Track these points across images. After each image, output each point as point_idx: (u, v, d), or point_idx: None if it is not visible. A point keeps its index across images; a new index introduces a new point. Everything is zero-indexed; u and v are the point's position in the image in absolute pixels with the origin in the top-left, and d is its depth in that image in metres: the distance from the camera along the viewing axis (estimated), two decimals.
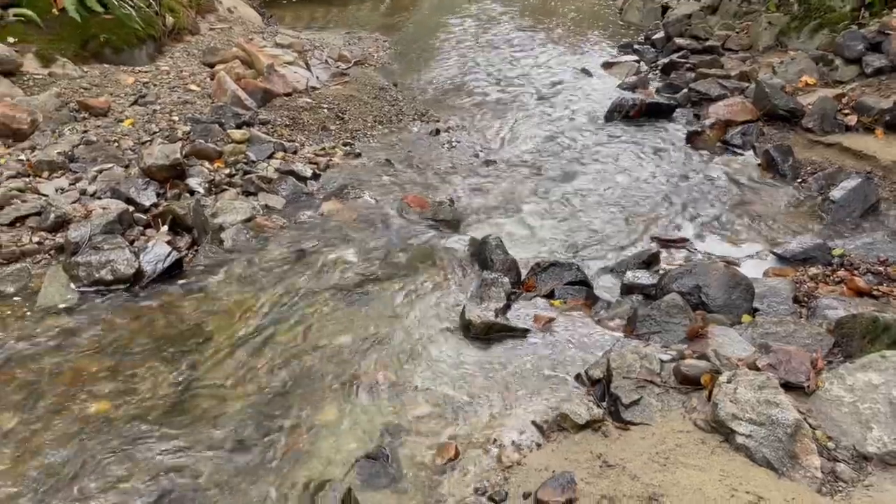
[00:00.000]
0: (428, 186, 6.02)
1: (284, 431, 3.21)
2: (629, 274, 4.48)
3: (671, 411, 3.03)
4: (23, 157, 5.45)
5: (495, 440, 3.08)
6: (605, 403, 3.19)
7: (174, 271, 4.36)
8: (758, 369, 3.12)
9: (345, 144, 6.96)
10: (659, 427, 2.95)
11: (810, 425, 2.86)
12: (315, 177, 6.10)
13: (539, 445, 3.03)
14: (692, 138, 6.89)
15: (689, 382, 3.11)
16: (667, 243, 5.09)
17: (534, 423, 3.14)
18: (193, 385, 3.48)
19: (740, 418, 2.79)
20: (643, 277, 4.43)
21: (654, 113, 7.56)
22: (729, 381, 2.94)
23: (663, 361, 3.25)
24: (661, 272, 4.55)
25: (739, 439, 2.76)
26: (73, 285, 4.16)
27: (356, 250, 4.77)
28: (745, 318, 3.86)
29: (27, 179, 5.13)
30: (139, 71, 7.70)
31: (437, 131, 7.36)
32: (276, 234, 4.96)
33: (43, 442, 3.08)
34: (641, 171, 6.33)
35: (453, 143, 7.07)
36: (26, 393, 3.37)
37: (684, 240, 5.16)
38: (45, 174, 5.26)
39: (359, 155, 6.71)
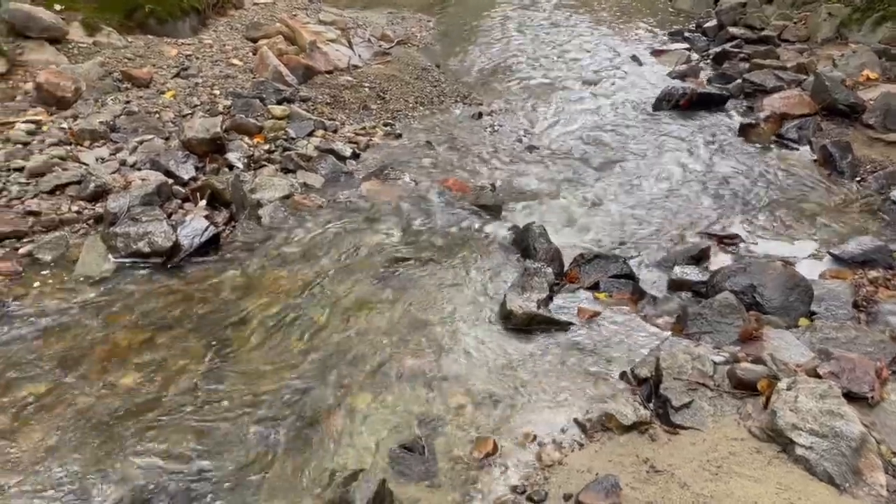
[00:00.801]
0: (469, 170, 5.88)
1: (318, 415, 3.11)
2: (677, 269, 4.30)
3: (724, 417, 2.87)
4: (65, 125, 5.43)
5: (535, 437, 2.95)
6: (652, 404, 3.04)
7: (211, 246, 4.29)
8: (818, 377, 2.94)
9: (385, 124, 6.84)
10: (711, 433, 2.79)
11: (875, 439, 2.68)
12: (355, 156, 6.00)
13: (581, 445, 2.89)
14: (745, 131, 6.62)
15: (745, 387, 2.94)
16: (717, 239, 4.87)
17: (576, 421, 3.01)
18: (226, 363, 3.40)
19: (801, 429, 2.63)
20: (692, 274, 4.24)
21: (705, 103, 7.30)
22: (789, 389, 2.77)
23: (716, 364, 3.08)
24: (711, 269, 4.36)
25: (799, 451, 2.59)
26: (110, 256, 4.12)
27: (395, 233, 4.66)
28: (803, 321, 3.66)
29: (68, 147, 5.10)
30: (182, 43, 7.67)
31: (480, 114, 7.20)
32: (314, 212, 4.87)
33: (72, 413, 3.03)
34: (690, 163, 6.10)
35: (496, 128, 6.91)
36: (60, 363, 3.33)
37: (735, 236, 4.94)
38: (87, 143, 5.24)
39: (399, 135, 6.59)
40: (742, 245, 4.88)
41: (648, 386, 3.14)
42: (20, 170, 4.66)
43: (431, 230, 4.72)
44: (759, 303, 3.75)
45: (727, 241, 4.88)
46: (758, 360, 3.11)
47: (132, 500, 2.64)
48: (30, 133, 5.17)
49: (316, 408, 3.15)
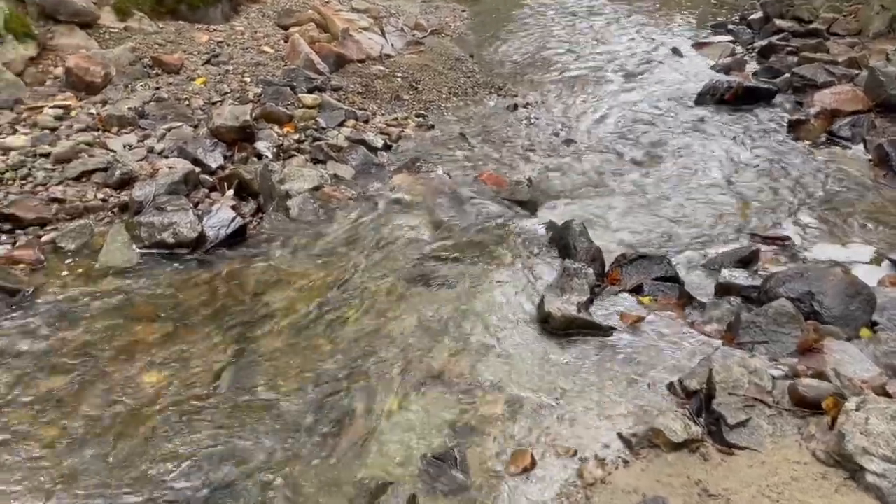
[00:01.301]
0: (504, 164, 5.67)
1: (344, 420, 2.95)
2: (725, 272, 4.05)
3: (785, 437, 2.63)
4: (94, 110, 5.34)
5: (576, 452, 2.75)
6: (703, 420, 2.81)
7: (237, 238, 4.15)
8: (888, 395, 2.69)
9: (418, 115, 6.66)
10: (770, 455, 2.57)
11: None
12: (386, 147, 5.83)
13: (626, 462, 2.68)
14: (794, 127, 6.31)
15: (807, 405, 2.71)
16: (766, 241, 4.61)
17: (620, 435, 2.80)
18: (250, 361, 3.25)
19: (872, 454, 2.39)
20: (741, 277, 3.99)
21: (751, 98, 6.99)
22: (858, 409, 2.53)
23: (774, 378, 2.85)
24: (760, 273, 4.11)
25: (870, 478, 2.36)
26: (134, 246, 4.00)
27: (427, 228, 4.48)
28: (864, 332, 3.40)
29: (96, 133, 5.00)
30: (214, 30, 7.55)
31: (515, 106, 6.98)
32: (343, 205, 4.70)
33: (90, 410, 2.90)
34: (736, 160, 5.82)
35: (532, 120, 6.68)
36: (80, 356, 3.20)
37: (786, 238, 4.66)
38: (115, 129, 5.13)
39: (432, 127, 6.41)
40: (792, 248, 4.61)
41: (699, 399, 2.91)
42: (46, 155, 4.57)
43: (465, 226, 4.53)
44: (818, 311, 3.49)
45: (778, 243, 4.61)
46: (820, 375, 2.87)
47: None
48: (58, 118, 5.08)
49: (343, 411, 2.99)
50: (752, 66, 8.14)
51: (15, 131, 4.85)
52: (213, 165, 4.82)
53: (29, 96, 5.46)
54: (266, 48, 7.39)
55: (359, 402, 3.05)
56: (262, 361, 3.25)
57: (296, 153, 5.34)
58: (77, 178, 4.45)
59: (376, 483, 2.62)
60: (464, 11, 10.73)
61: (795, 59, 7.81)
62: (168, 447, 2.77)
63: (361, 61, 7.55)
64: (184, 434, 2.82)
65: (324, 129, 5.81)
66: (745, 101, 6.98)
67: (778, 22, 9.20)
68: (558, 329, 3.44)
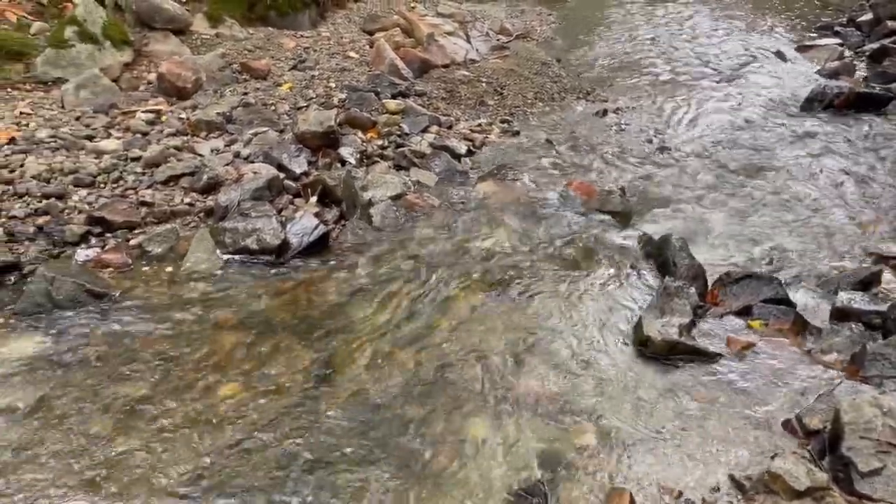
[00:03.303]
0: (593, 172, 5.40)
1: (425, 443, 2.78)
2: (843, 296, 3.66)
3: None
4: (183, 115, 5.40)
5: (681, 494, 2.49)
6: (827, 464, 2.50)
7: (320, 246, 4.07)
8: None
9: (502, 121, 6.46)
10: None
11: None
12: (470, 154, 5.67)
13: None
14: None
15: None
16: (889, 260, 4.17)
17: (732, 478, 2.52)
18: (329, 375, 3.13)
19: None
20: (861, 302, 3.60)
21: (863, 104, 6.47)
22: None
23: None
24: (884, 297, 3.70)
25: None
26: (218, 251, 3.97)
27: (513, 239, 4.28)
28: None
29: (185, 138, 5.05)
30: (301, 36, 7.60)
31: (604, 112, 6.69)
32: (427, 213, 4.56)
33: (166, 422, 2.84)
34: (850, 171, 5.35)
35: (622, 126, 6.37)
36: (161, 363, 3.16)
37: None
38: (203, 134, 5.17)
39: (517, 133, 6.20)
40: None
41: (821, 441, 2.60)
42: (137, 159, 4.62)
43: (553, 237, 4.30)
44: None
45: None
46: None
47: None
48: (149, 123, 5.16)
49: (423, 435, 2.82)
50: (863, 71, 7.56)
51: (109, 135, 4.95)
52: (298, 171, 4.77)
53: (123, 101, 5.58)
54: (351, 53, 7.37)
55: (440, 423, 2.88)
56: (342, 379, 3.11)
57: (379, 159, 5.24)
58: (165, 182, 4.48)
59: None
60: (550, 15, 10.48)
61: None
62: (241, 460, 2.66)
63: (446, 66, 7.43)
64: (256, 453, 2.71)
65: (407, 135, 5.69)
66: (856, 107, 6.47)
67: (890, 24, 8.54)
68: (658, 353, 3.18)
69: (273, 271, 3.88)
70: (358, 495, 2.53)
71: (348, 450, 2.72)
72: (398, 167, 5.20)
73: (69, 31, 5.85)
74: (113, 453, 2.67)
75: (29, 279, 3.58)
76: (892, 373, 2.93)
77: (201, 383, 3.06)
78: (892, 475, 2.36)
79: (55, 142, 4.69)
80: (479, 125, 6.32)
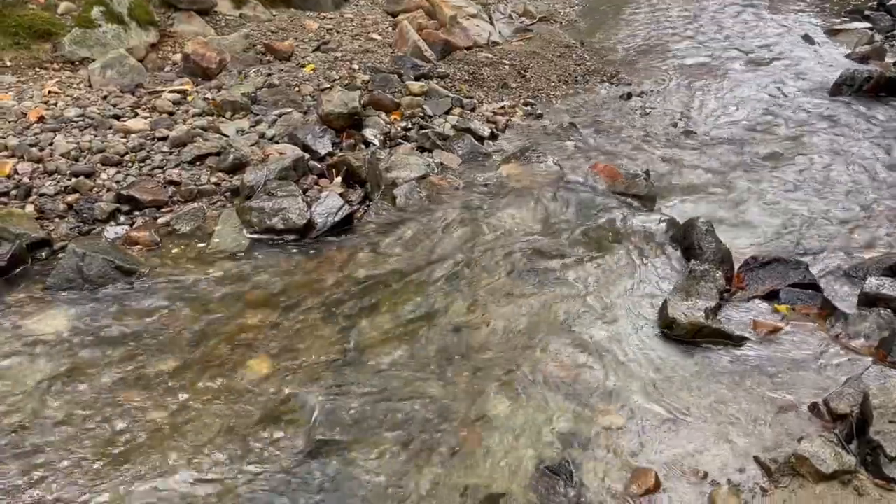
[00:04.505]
0: (618, 155, 5.37)
1: (450, 420, 2.80)
2: (871, 281, 3.62)
3: None
4: (209, 95, 5.43)
5: (706, 475, 2.49)
6: (853, 448, 2.49)
7: (345, 225, 4.09)
8: None
9: (525, 104, 6.44)
10: None
11: None
12: (493, 136, 5.65)
13: (765, 491, 2.41)
14: None
15: None
16: None
17: (757, 460, 2.52)
18: (355, 355, 3.15)
19: None
20: (891, 288, 3.55)
21: (894, 89, 6.35)
22: None
23: None
24: None
25: None
26: (245, 230, 4.00)
27: (537, 221, 4.28)
28: None
29: (210, 118, 5.08)
30: (324, 17, 7.59)
31: (629, 95, 6.63)
32: (450, 194, 4.57)
33: (196, 394, 2.89)
34: (879, 157, 5.27)
35: (647, 109, 6.32)
36: (190, 339, 3.21)
37: None
38: (228, 114, 5.19)
39: (540, 116, 6.17)
40: None
41: (848, 424, 2.59)
42: (164, 139, 4.66)
43: (578, 220, 4.29)
44: None
45: None
46: None
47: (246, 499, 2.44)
48: (175, 103, 5.19)
49: (449, 413, 2.84)
50: (894, 55, 7.42)
51: (136, 115, 4.99)
52: (322, 152, 4.78)
53: (149, 81, 5.62)
54: (374, 35, 7.36)
55: (465, 404, 2.90)
56: (367, 357, 3.14)
57: (402, 141, 5.25)
58: (191, 162, 4.51)
59: (484, 493, 2.46)
60: None
61: None
62: (267, 435, 2.71)
63: (469, 48, 7.39)
64: (284, 427, 2.75)
65: (430, 116, 5.69)
66: (887, 92, 6.37)
67: None
68: (683, 336, 3.17)
69: (298, 250, 3.91)
70: (383, 472, 2.56)
71: (374, 427, 2.75)
72: (422, 149, 5.20)
73: (96, 11, 5.89)
74: (143, 423, 2.72)
75: (60, 255, 3.64)
76: None
77: (229, 358, 3.10)
78: None
79: (83, 121, 4.74)
80: (503, 108, 6.30)
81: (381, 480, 2.53)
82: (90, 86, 5.40)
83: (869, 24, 8.65)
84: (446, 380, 3.02)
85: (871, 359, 3.03)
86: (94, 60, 5.60)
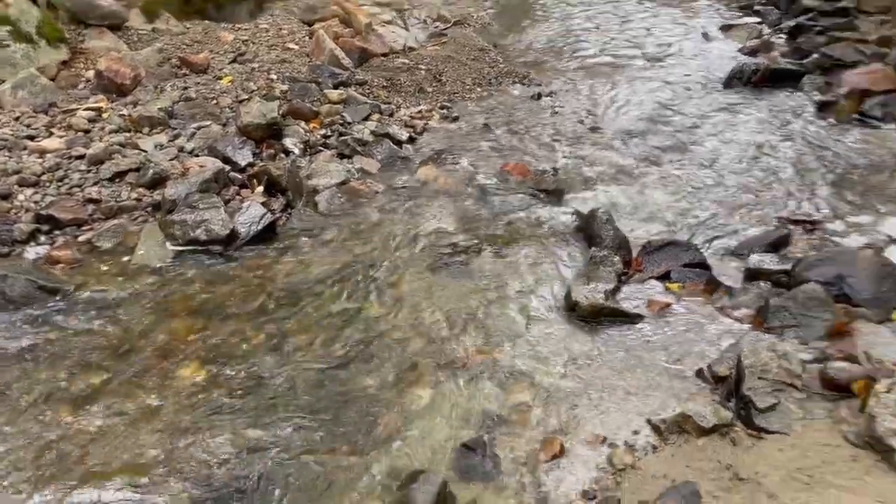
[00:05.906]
0: (529, 154, 5.66)
1: (374, 410, 3.01)
2: (754, 257, 4.02)
3: (815, 421, 2.64)
4: (125, 111, 5.45)
5: (605, 439, 2.78)
6: (732, 405, 2.82)
7: (268, 234, 4.23)
8: None
9: (442, 107, 6.67)
10: (800, 438, 2.57)
11: None
12: (411, 140, 5.86)
13: (655, 448, 2.71)
14: (824, 108, 6.20)
15: (837, 388, 2.70)
16: (795, 224, 4.55)
17: (649, 422, 2.82)
18: (282, 355, 3.33)
19: None
20: (770, 262, 3.95)
21: (779, 79, 6.87)
22: (888, 391, 2.52)
23: (804, 362, 2.84)
24: (790, 257, 4.07)
25: None
26: (168, 244, 4.10)
27: (453, 219, 4.52)
28: None
29: (128, 135, 5.11)
30: (239, 28, 7.64)
31: (539, 95, 6.96)
32: (370, 199, 4.77)
33: (128, 405, 3.00)
34: (765, 143, 5.74)
35: (556, 109, 6.65)
36: (119, 352, 3.31)
37: (815, 221, 4.61)
38: (146, 130, 5.24)
39: (456, 118, 6.42)
40: (823, 231, 4.55)
41: (727, 385, 2.92)
42: (81, 157, 4.68)
43: (491, 217, 4.56)
44: (847, 294, 3.45)
45: (807, 226, 4.55)
46: (850, 358, 2.86)
47: (190, 498, 2.58)
48: (91, 121, 5.20)
49: (374, 402, 3.05)
50: (780, 48, 8.01)
51: (51, 134, 4.98)
52: (243, 163, 4.90)
53: (62, 100, 5.59)
54: (291, 45, 7.46)
55: (389, 393, 3.11)
56: (295, 355, 3.32)
57: (322, 148, 5.40)
58: (111, 179, 4.56)
59: (407, 471, 2.68)
60: (486, 1, 10.69)
61: (824, 38, 7.65)
62: (202, 438, 2.85)
63: (385, 55, 7.58)
64: (218, 426, 2.90)
65: (349, 123, 5.85)
66: (773, 82, 6.86)
67: (806, 1, 8.99)
68: (586, 317, 3.47)
69: (223, 260, 4.04)
70: (311, 456, 2.75)
71: (299, 418, 2.93)
72: (341, 155, 5.36)
73: (2, 31, 5.81)
74: (70, 436, 2.82)
75: None
76: (792, 322, 3.28)
77: (157, 368, 3.22)
78: (785, 410, 2.69)
79: None
80: (420, 112, 6.52)
81: (310, 469, 2.71)
82: (1, 107, 5.34)
83: (759, 19, 9.25)
84: (370, 372, 3.22)
85: (749, 326, 3.38)
86: (3, 81, 5.53)
